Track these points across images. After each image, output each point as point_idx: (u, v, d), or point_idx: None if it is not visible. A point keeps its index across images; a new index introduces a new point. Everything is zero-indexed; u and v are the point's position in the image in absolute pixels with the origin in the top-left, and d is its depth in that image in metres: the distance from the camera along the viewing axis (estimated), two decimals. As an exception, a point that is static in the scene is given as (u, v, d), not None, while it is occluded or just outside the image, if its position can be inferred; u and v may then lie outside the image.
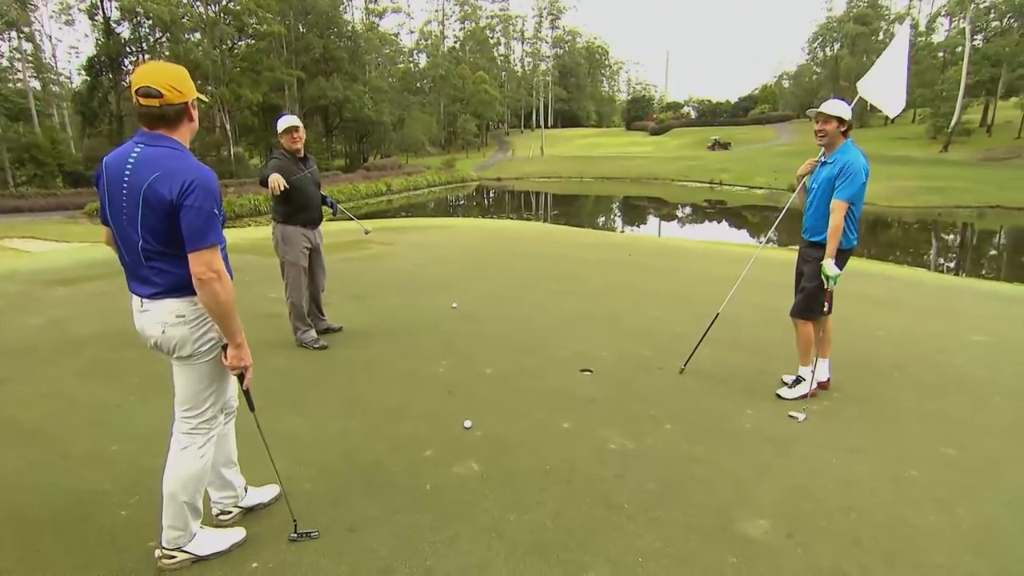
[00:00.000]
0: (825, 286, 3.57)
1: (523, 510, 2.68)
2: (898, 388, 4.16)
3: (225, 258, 2.18)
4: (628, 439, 3.34)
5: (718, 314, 4.34)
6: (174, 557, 2.25)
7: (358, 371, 4.33)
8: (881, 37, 57.36)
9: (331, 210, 5.04)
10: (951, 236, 26.11)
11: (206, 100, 2.25)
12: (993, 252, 22.26)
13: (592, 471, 3.01)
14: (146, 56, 38.54)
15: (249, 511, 2.61)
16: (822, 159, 3.70)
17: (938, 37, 55.93)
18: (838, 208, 3.49)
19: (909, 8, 57.33)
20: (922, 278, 9.24)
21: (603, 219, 32.02)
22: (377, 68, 60.65)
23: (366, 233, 5.61)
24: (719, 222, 30.42)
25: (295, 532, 2.45)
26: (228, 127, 42.52)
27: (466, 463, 3.06)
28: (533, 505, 2.72)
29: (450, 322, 5.57)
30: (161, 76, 1.98)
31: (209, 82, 40.96)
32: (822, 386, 3.98)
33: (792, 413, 3.64)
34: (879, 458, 3.17)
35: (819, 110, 3.61)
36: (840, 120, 3.55)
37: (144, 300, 2.12)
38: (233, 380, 2.38)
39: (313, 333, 4.89)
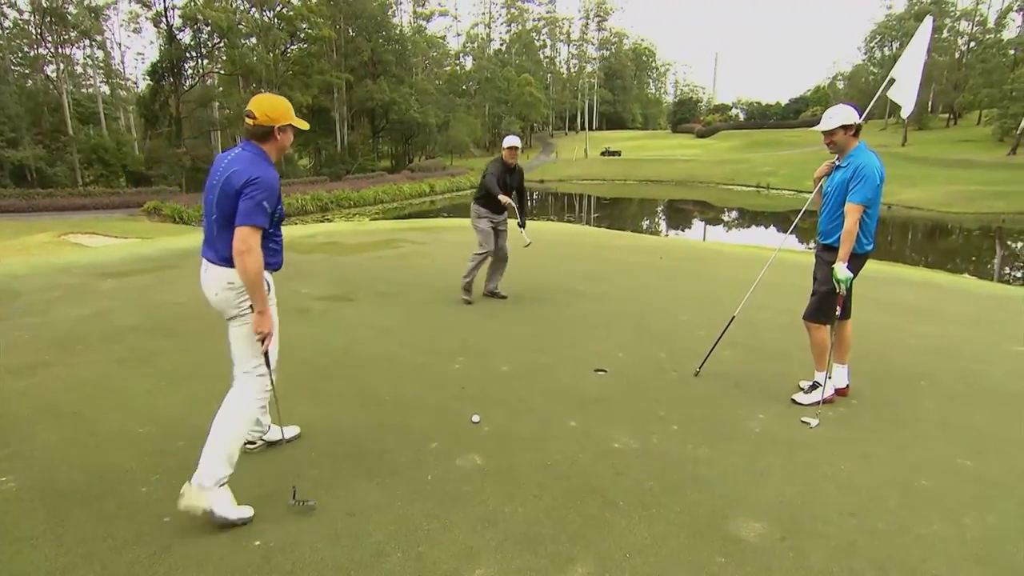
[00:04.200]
0: (836, 290, 3.50)
1: (519, 503, 2.73)
2: (923, 397, 4.03)
3: (278, 247, 2.74)
4: (633, 439, 3.35)
5: (734, 317, 4.29)
6: (198, 500, 2.44)
7: (377, 365, 4.46)
8: (946, 35, 54.92)
9: (519, 220, 6.20)
10: (1018, 244, 24.78)
11: (303, 126, 2.68)
12: (1061, 261, 21.03)
13: (592, 468, 3.04)
14: (204, 61, 40.19)
15: (271, 445, 3.15)
16: (837, 163, 3.63)
17: (1009, 33, 53.19)
18: (852, 211, 3.42)
19: (977, 4, 54.60)
20: (969, 286, 8.84)
21: (647, 222, 31.71)
22: (423, 71, 61.68)
23: (526, 246, 6.33)
24: (766, 227, 29.73)
25: (293, 499, 2.66)
26: (279, 129, 43.92)
27: (469, 456, 3.14)
28: (529, 499, 2.77)
29: (471, 321, 5.66)
30: (259, 105, 2.55)
31: (262, 85, 42.49)
32: (840, 392, 3.90)
33: (805, 418, 3.58)
34: (890, 466, 3.10)
35: (821, 129, 3.59)
36: (844, 128, 3.49)
37: (209, 264, 2.63)
38: (277, 339, 2.80)
39: (468, 286, 6.23)
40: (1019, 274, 18.82)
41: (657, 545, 2.45)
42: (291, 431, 3.24)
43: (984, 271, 18.51)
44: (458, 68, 73.81)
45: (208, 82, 41.65)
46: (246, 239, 2.42)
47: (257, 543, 2.42)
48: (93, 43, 39.92)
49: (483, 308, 6.11)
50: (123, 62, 51.94)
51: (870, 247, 3.60)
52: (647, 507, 2.70)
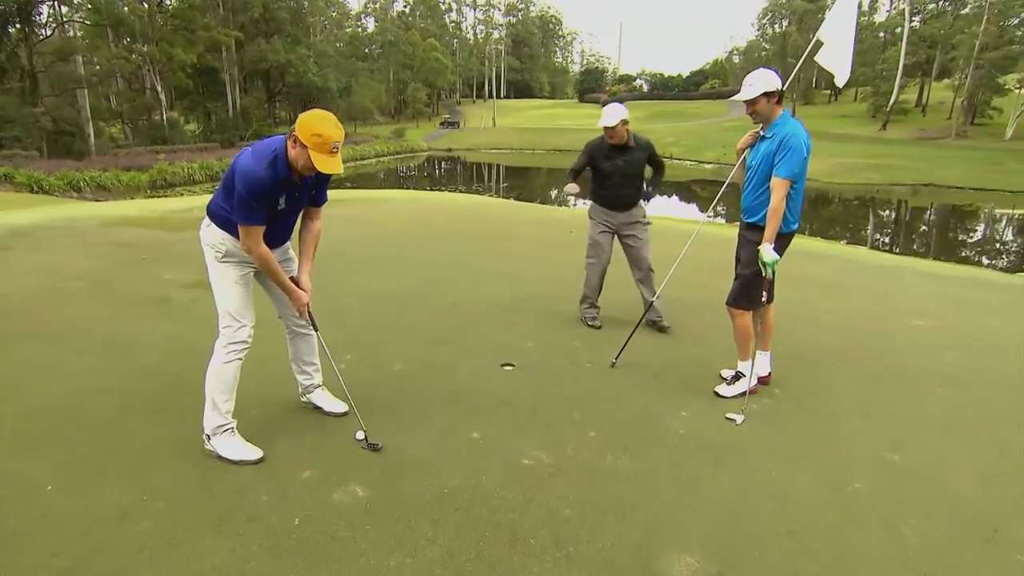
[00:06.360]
0: (763, 273, 3.20)
1: (409, 551, 2.21)
2: (840, 379, 3.88)
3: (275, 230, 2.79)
4: (545, 451, 2.91)
5: (651, 303, 3.94)
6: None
7: (244, 368, 3.74)
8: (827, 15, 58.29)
9: (644, 200, 4.71)
10: (887, 212, 26.88)
11: (316, 162, 2.46)
12: (924, 228, 22.99)
13: (498, 494, 2.57)
14: (62, 8, 35.40)
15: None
16: (762, 133, 3.29)
17: (880, 17, 57.19)
18: (779, 186, 3.09)
19: (855, -13, 58.11)
20: (862, 257, 9.18)
21: (555, 192, 31.61)
22: (322, 32, 57.93)
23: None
24: (668, 196, 30.48)
25: (365, 441, 2.90)
26: (159, 89, 39.83)
27: (349, 488, 2.57)
28: (422, 543, 2.26)
29: (362, 308, 5.01)
30: (303, 116, 2.51)
31: (137, 40, 38.14)
32: (762, 381, 3.65)
33: (729, 415, 3.28)
34: (820, 467, 2.85)
35: (742, 99, 3.22)
36: (767, 95, 3.15)
37: None
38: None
39: (593, 311, 4.77)
40: (887, 240, 20.37)
41: (576, 598, 2.02)
42: (336, 406, 3.21)
43: (861, 238, 19.89)
44: (360, 30, 69.92)
45: (70, 33, 36.72)
46: (243, 239, 2.61)
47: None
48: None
49: (376, 295, 5.46)
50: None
51: (796, 225, 3.31)
52: (562, 545, 2.27)
